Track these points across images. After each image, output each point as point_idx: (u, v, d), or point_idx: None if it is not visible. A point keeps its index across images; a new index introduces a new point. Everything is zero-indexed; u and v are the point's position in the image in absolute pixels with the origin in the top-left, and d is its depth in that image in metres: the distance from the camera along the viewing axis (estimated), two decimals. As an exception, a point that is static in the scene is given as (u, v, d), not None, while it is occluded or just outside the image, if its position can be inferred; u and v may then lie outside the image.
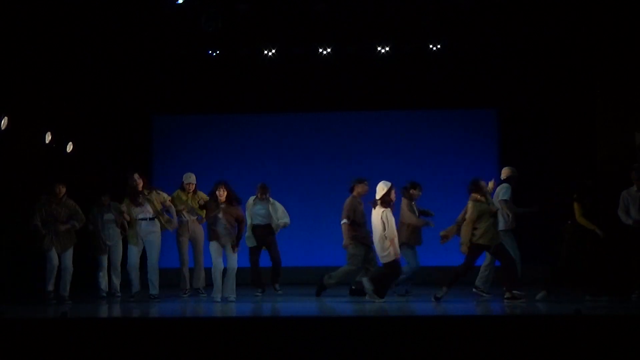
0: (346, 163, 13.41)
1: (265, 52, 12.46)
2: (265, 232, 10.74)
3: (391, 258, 9.47)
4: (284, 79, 13.20)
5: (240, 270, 9.91)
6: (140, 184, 10.00)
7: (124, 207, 10.29)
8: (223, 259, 9.83)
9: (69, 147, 11.95)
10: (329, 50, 12.35)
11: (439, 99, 13.28)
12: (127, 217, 10.22)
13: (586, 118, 11.89)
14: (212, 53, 12.70)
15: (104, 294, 10.45)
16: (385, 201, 9.53)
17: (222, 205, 9.67)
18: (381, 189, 9.55)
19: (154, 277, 9.98)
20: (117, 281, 10.53)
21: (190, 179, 10.59)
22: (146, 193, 10.01)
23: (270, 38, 12.31)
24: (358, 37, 12.27)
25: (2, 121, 9.95)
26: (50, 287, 9.71)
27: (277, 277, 10.93)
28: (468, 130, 13.42)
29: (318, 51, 12.36)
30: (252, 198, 10.79)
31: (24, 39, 10.47)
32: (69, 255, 9.86)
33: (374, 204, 9.61)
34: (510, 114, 13.34)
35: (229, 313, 8.81)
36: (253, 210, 10.76)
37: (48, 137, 11.25)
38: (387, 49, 12.38)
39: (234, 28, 11.61)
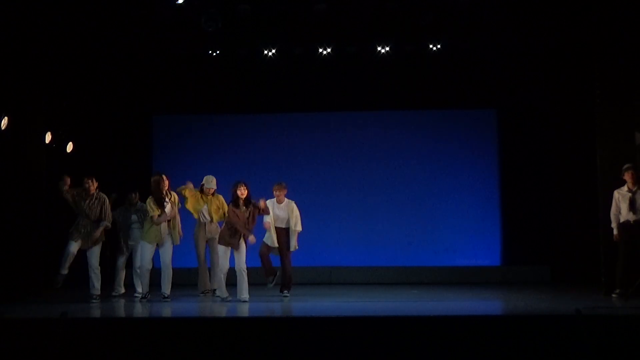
0: (346, 163, 13.44)
1: (265, 52, 12.46)
2: (281, 234, 10.46)
3: None
4: (284, 79, 13.20)
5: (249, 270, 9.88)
6: (166, 185, 9.99)
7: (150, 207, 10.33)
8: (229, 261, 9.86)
9: (69, 147, 11.95)
10: (329, 50, 12.35)
11: (438, 99, 13.30)
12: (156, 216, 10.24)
13: (586, 118, 11.89)
14: (212, 53, 12.70)
15: (115, 294, 10.48)
16: None
17: (243, 209, 9.69)
18: None
19: (168, 276, 9.94)
20: (137, 281, 10.36)
21: (211, 184, 10.45)
22: (169, 195, 10.01)
23: (270, 38, 12.30)
24: (358, 37, 12.27)
25: (2, 121, 9.95)
26: (64, 271, 9.78)
27: (288, 284, 10.49)
28: (468, 130, 13.44)
29: (318, 51, 12.36)
30: (271, 201, 10.42)
31: (25, 39, 10.46)
32: (94, 253, 9.88)
33: None
34: (510, 114, 13.35)
35: (232, 313, 8.82)
36: (273, 213, 10.43)
37: (48, 137, 11.24)
38: (387, 49, 12.38)
39: (234, 28, 11.61)
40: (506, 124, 13.35)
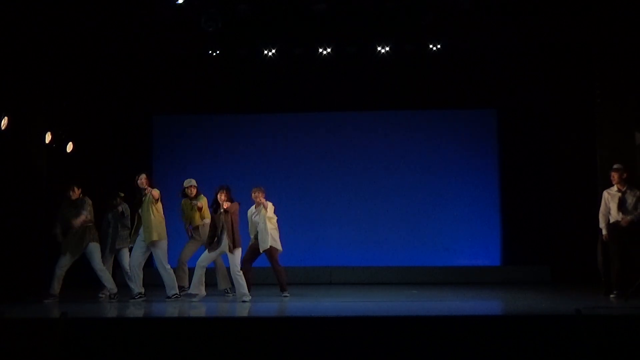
0: (346, 163, 13.44)
1: (265, 52, 12.46)
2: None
3: None
4: (284, 79, 13.20)
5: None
6: (142, 181, 9.98)
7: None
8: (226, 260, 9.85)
9: (69, 147, 11.95)
10: (329, 50, 12.34)
11: (438, 99, 13.29)
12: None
13: (586, 118, 11.90)
14: (212, 53, 12.69)
15: (101, 295, 10.44)
16: None
17: (222, 211, 9.65)
18: None
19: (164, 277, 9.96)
20: (130, 283, 10.18)
21: (189, 183, 10.46)
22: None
23: (270, 38, 12.30)
24: (358, 37, 12.27)
25: (2, 121, 9.95)
26: (52, 291, 9.70)
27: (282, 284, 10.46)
28: (468, 130, 13.44)
29: (318, 51, 12.36)
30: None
31: (25, 39, 10.46)
32: (94, 257, 9.88)
33: None
34: (510, 114, 13.35)
35: (232, 313, 8.83)
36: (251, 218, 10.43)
37: (48, 137, 11.24)
38: (387, 49, 12.38)
39: (234, 28, 11.60)
40: (506, 124, 13.35)
